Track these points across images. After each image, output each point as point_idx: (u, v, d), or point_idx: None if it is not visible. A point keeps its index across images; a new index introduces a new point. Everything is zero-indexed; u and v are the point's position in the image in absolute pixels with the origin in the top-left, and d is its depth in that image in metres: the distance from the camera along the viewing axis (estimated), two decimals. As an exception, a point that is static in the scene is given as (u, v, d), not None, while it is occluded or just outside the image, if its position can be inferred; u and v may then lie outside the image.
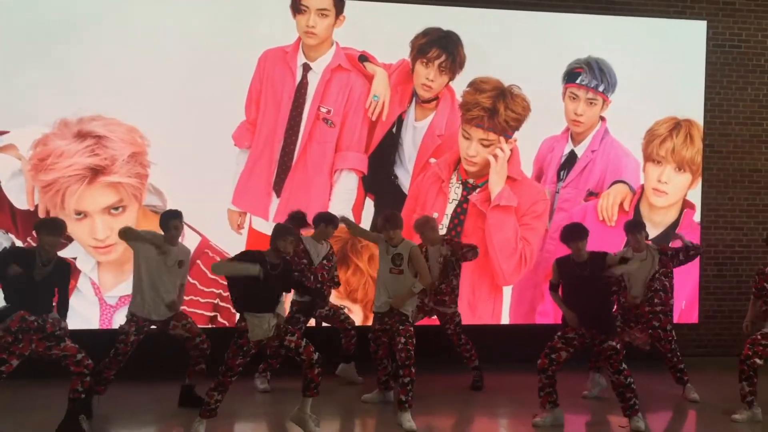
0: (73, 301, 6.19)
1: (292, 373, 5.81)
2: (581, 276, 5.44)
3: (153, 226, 6.69)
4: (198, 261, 6.80)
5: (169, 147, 6.83)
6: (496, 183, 7.40)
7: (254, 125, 7.07)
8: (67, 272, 5.31)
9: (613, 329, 5.53)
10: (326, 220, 6.32)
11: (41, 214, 6.53)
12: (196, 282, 6.78)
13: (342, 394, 6.29)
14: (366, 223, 7.23)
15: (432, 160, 7.40)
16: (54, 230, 5.13)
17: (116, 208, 6.71)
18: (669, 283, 6.31)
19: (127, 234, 5.54)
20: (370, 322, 6.97)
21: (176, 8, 6.95)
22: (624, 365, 5.36)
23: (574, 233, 5.52)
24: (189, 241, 6.84)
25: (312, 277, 6.23)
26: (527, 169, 7.57)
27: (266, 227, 7.04)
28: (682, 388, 6.38)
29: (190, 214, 6.83)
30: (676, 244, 7.23)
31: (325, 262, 6.36)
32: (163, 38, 6.89)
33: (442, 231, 7.29)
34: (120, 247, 6.67)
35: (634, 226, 6.44)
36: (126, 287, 6.76)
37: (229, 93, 7.00)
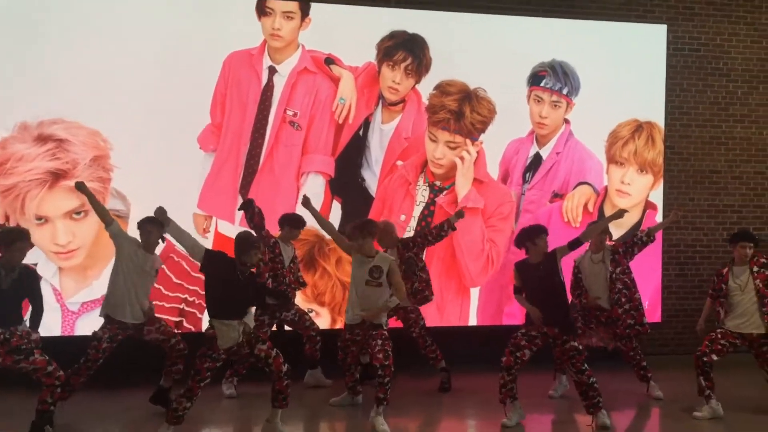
0: (34, 307, 6.05)
1: (259, 378, 5.76)
2: (537, 277, 5.49)
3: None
4: (163, 266, 6.69)
5: (132, 150, 6.73)
6: (463, 185, 7.45)
7: (220, 128, 7.01)
8: (33, 280, 5.16)
9: (574, 329, 5.61)
10: (291, 222, 6.32)
11: (0, 220, 6.39)
12: (160, 287, 6.68)
13: (310, 398, 6.25)
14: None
15: (399, 162, 7.41)
16: (11, 240, 4.99)
17: (78, 213, 6.59)
18: (629, 279, 6.42)
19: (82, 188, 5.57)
20: (338, 325, 6.96)
21: (140, 10, 6.85)
22: (585, 365, 5.42)
23: (521, 236, 5.60)
24: (154, 245, 6.76)
25: (281, 279, 6.21)
26: (493, 172, 7.63)
27: (232, 231, 6.96)
28: (646, 386, 6.48)
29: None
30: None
31: (291, 264, 6.35)
32: (126, 40, 6.79)
33: (410, 233, 7.31)
34: (82, 252, 6.56)
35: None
36: (88, 293, 6.65)
37: (194, 96, 6.93)
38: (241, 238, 5.16)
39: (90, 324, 6.11)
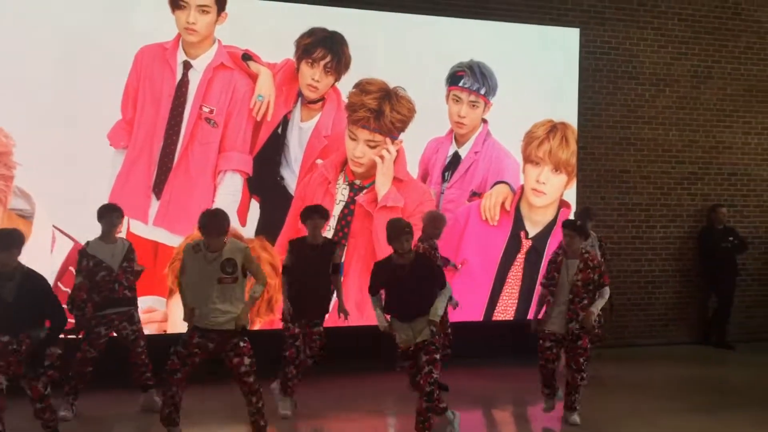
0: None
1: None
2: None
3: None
4: (70, 267, 6.41)
5: (37, 147, 6.40)
6: (383, 184, 7.44)
7: (131, 124, 6.76)
8: (38, 284, 4.61)
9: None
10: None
11: None
12: (68, 289, 6.37)
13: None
14: (251, 226, 7.08)
15: (318, 161, 7.34)
16: (4, 246, 4.49)
17: (-23, 212, 6.22)
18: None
19: None
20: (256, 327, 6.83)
21: (44, -1, 6.53)
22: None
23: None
24: (61, 246, 6.46)
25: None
26: (413, 170, 7.65)
27: (145, 231, 6.75)
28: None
29: (62, 218, 6.48)
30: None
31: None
32: (30, 30, 6.45)
33: (330, 233, 7.25)
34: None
35: (584, 212, 7.36)
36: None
37: (103, 90, 6.64)
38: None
39: None
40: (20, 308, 4.46)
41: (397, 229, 4.97)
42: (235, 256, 4.77)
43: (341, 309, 6.00)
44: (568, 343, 5.62)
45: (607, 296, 5.67)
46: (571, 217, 8.06)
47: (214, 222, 4.72)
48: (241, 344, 4.80)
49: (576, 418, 5.61)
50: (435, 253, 6.46)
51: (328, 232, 7.25)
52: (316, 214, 5.88)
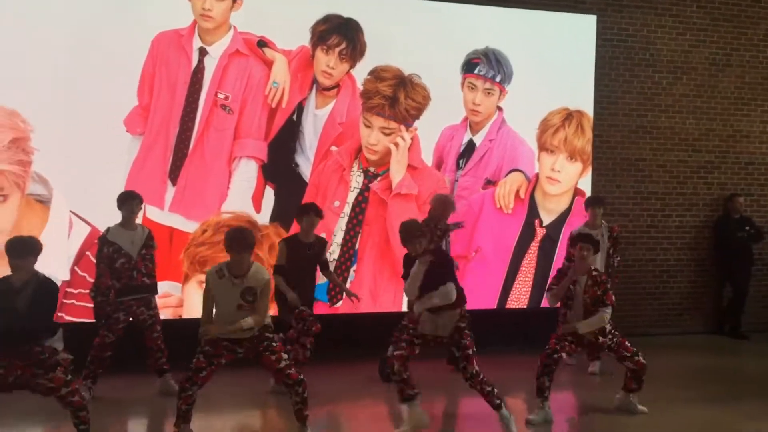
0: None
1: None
2: (307, 256, 5.71)
3: (37, 215, 6.35)
4: (87, 252, 6.48)
5: (54, 133, 6.45)
6: (397, 171, 7.44)
7: (147, 111, 6.79)
8: (50, 289, 4.53)
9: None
10: None
11: None
12: (85, 274, 6.45)
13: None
14: (266, 212, 7.11)
15: (333, 148, 7.35)
16: (20, 253, 4.45)
17: (-4, 197, 6.28)
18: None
19: None
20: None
21: (61, -15, 6.56)
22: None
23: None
24: (78, 231, 6.53)
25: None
26: (427, 158, 7.65)
27: (161, 216, 6.80)
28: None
29: (79, 203, 6.55)
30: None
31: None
32: (47, 17, 6.49)
33: (344, 219, 7.27)
34: (1, 239, 6.26)
35: (594, 201, 7.18)
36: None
37: (120, 77, 6.68)
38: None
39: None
40: (34, 316, 4.41)
41: (410, 233, 5.07)
42: (256, 285, 4.71)
43: (350, 294, 6.26)
44: (603, 349, 5.69)
45: (606, 319, 5.53)
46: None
47: (238, 239, 4.67)
48: (273, 344, 4.83)
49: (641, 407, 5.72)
50: (446, 237, 6.50)
51: (342, 219, 7.28)
52: (312, 211, 5.97)
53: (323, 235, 7.01)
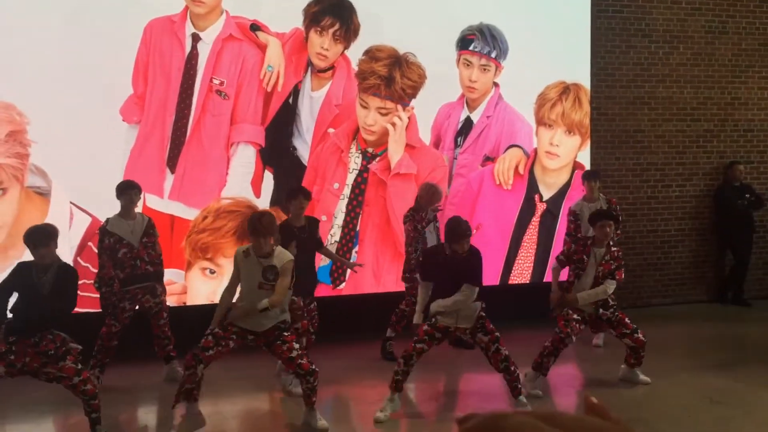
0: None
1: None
2: (302, 240, 5.71)
3: (37, 208, 6.36)
4: (89, 243, 6.49)
5: (51, 124, 6.44)
6: (395, 151, 7.43)
7: (143, 99, 6.77)
8: (70, 276, 4.68)
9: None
10: None
11: None
12: (88, 265, 6.47)
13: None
14: (266, 197, 7.11)
15: (330, 130, 7.32)
16: (44, 241, 4.60)
17: (-5, 191, 6.29)
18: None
19: None
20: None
21: (50, -25, 6.50)
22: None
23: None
24: (79, 222, 6.53)
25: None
26: (425, 137, 7.63)
27: (161, 205, 6.80)
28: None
29: (79, 194, 6.54)
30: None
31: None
32: (38, 6, 6.45)
33: (344, 201, 7.27)
34: (2, 232, 6.28)
35: (591, 174, 7.16)
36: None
37: (114, 65, 6.65)
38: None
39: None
40: (54, 300, 4.53)
41: (459, 234, 5.09)
42: (278, 264, 4.80)
43: (351, 266, 6.48)
44: (602, 322, 5.69)
45: (609, 291, 5.60)
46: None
47: (254, 223, 4.81)
48: (285, 333, 4.86)
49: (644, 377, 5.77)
50: (434, 223, 6.57)
51: (342, 201, 7.28)
52: (301, 194, 5.94)
53: (323, 217, 7.04)
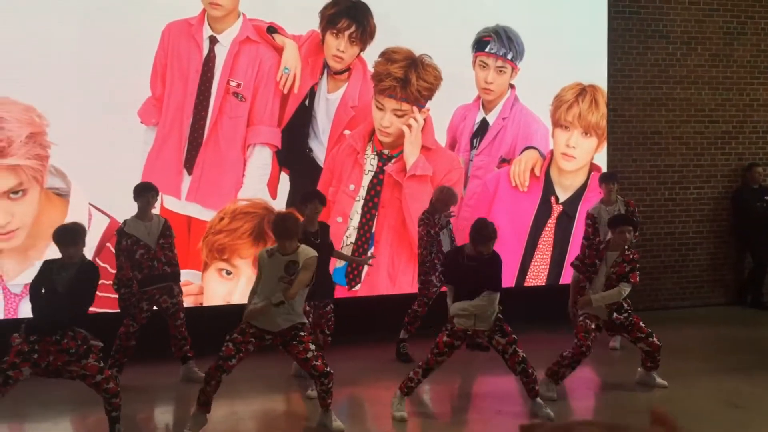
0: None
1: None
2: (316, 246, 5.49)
3: (57, 209, 6.43)
4: (107, 244, 6.55)
5: (70, 126, 6.50)
6: (411, 153, 7.44)
7: (161, 101, 6.83)
8: (90, 274, 4.70)
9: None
10: None
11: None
12: (106, 265, 6.53)
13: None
14: (282, 198, 7.14)
15: (346, 131, 7.35)
16: (69, 241, 4.65)
17: (16, 192, 6.36)
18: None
19: None
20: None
21: (70, -21, 6.57)
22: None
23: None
24: (97, 223, 6.60)
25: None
26: (441, 138, 7.63)
27: (178, 206, 6.85)
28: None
29: (97, 195, 6.61)
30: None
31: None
32: (58, 11, 6.52)
33: (359, 202, 7.29)
34: (22, 233, 6.35)
35: (608, 177, 7.12)
36: (31, 274, 6.46)
37: (133, 68, 6.71)
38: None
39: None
40: (69, 298, 4.55)
41: (485, 236, 5.12)
42: (300, 259, 4.80)
43: (365, 261, 6.60)
44: (617, 327, 5.65)
45: (624, 294, 5.53)
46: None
47: (277, 226, 4.88)
48: (302, 333, 4.86)
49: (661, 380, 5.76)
50: (448, 227, 6.56)
51: (358, 203, 7.30)
52: (317, 199, 5.91)
53: (339, 219, 7.07)
